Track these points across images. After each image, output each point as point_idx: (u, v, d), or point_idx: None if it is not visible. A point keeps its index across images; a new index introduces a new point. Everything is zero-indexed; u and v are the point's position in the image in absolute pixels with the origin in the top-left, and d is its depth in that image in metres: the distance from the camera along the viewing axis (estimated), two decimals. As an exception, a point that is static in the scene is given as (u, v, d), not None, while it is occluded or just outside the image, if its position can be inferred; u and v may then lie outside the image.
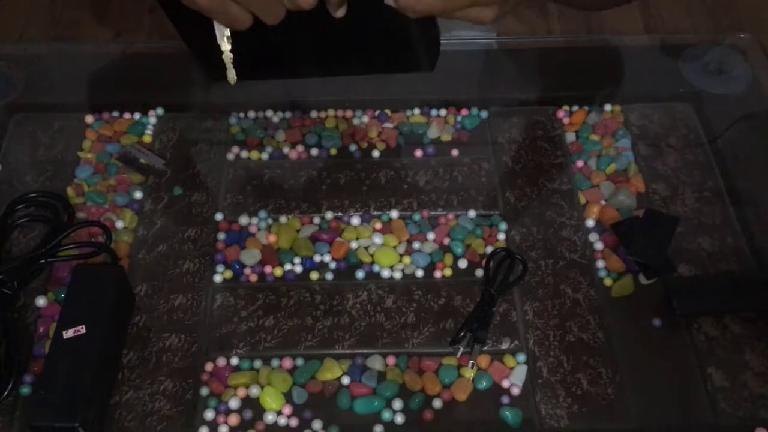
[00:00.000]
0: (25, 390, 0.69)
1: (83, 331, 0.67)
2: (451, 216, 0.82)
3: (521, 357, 0.72)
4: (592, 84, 0.94)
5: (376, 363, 0.71)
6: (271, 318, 0.74)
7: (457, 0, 0.58)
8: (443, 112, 0.91)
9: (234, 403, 0.69)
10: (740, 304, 0.75)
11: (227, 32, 0.62)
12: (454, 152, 0.87)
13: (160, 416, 0.68)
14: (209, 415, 0.68)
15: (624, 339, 0.73)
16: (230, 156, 0.87)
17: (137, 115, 0.90)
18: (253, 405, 0.69)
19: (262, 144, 0.88)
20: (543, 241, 0.80)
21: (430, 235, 0.80)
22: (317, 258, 0.78)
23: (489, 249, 0.78)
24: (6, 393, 0.68)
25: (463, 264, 0.78)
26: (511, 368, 0.71)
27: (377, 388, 0.70)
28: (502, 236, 0.80)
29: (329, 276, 0.77)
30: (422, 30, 0.60)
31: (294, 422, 0.68)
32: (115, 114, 0.90)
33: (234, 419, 0.68)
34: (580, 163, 0.86)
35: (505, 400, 0.69)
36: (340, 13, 0.59)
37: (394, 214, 0.82)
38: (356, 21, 0.59)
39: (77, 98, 0.94)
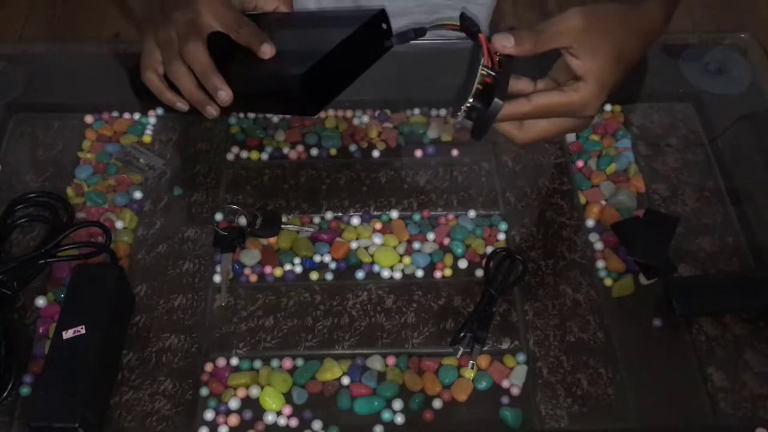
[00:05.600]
0: (25, 390, 0.69)
1: (83, 331, 0.67)
2: (451, 216, 0.82)
3: (521, 357, 0.71)
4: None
5: (376, 363, 0.71)
6: (271, 318, 0.74)
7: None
8: (443, 112, 0.91)
9: (234, 404, 0.69)
10: (740, 304, 0.75)
11: None
12: (454, 152, 0.87)
13: (160, 416, 0.68)
14: (209, 415, 0.68)
15: (624, 339, 0.73)
16: (230, 156, 0.87)
17: (137, 115, 0.90)
18: (253, 405, 0.69)
19: (262, 144, 0.88)
20: (543, 241, 0.80)
21: (430, 235, 0.80)
22: (317, 258, 0.78)
23: (489, 249, 0.78)
24: (6, 393, 0.68)
25: (463, 264, 0.78)
26: (511, 368, 0.71)
27: (377, 388, 0.70)
28: (502, 236, 0.80)
29: (329, 276, 0.77)
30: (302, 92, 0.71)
31: (294, 422, 0.68)
32: (115, 114, 0.90)
33: (234, 419, 0.68)
34: (580, 163, 0.86)
35: (505, 400, 0.69)
36: (268, 51, 0.73)
37: (394, 214, 0.82)
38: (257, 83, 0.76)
39: (77, 98, 0.93)
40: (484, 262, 0.77)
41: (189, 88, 0.75)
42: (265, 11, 0.82)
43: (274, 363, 0.71)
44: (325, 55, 0.72)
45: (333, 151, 0.87)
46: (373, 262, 0.78)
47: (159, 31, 0.76)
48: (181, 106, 0.77)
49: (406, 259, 0.78)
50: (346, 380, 0.70)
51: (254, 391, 0.69)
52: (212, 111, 0.75)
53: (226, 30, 0.76)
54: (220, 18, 0.76)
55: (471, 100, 0.65)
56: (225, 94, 0.73)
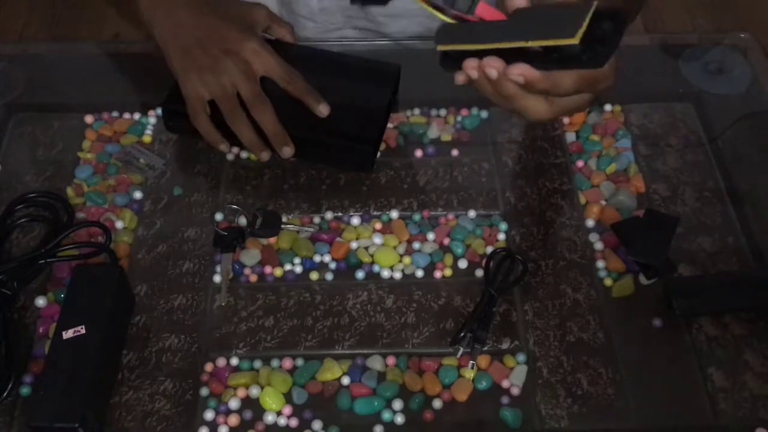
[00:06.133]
0: (25, 390, 0.69)
1: (83, 331, 0.67)
2: (451, 216, 0.82)
3: (521, 357, 0.71)
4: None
5: (376, 363, 0.71)
6: (271, 318, 0.74)
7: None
8: (443, 112, 0.91)
9: (234, 404, 0.69)
10: (740, 304, 0.75)
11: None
12: (454, 152, 0.87)
13: (160, 416, 0.68)
14: (209, 415, 0.68)
15: (624, 339, 0.73)
16: (230, 156, 0.87)
17: (137, 115, 0.90)
18: (253, 405, 0.69)
19: (262, 144, 0.88)
20: (543, 241, 0.80)
21: (430, 235, 0.80)
22: (317, 258, 0.78)
23: (489, 249, 0.78)
24: (6, 393, 0.68)
25: (463, 264, 0.78)
26: (511, 368, 0.71)
27: (377, 388, 0.70)
28: (502, 236, 0.80)
29: (329, 276, 0.77)
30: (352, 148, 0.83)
31: (294, 422, 0.68)
32: (115, 114, 0.90)
33: (234, 419, 0.68)
34: (580, 163, 0.86)
35: (505, 400, 0.69)
36: (325, 111, 0.81)
37: (394, 214, 0.82)
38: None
39: (77, 98, 0.94)
40: (484, 262, 0.77)
41: (250, 138, 0.81)
42: (270, 37, 0.88)
43: (274, 363, 0.71)
44: (383, 118, 0.85)
45: (333, 151, 0.87)
46: (373, 262, 0.78)
47: (207, 76, 0.80)
48: (224, 148, 0.84)
49: (406, 259, 0.78)
50: (346, 380, 0.70)
51: (254, 391, 0.69)
52: (266, 156, 0.82)
53: (275, 80, 0.81)
54: (271, 71, 0.81)
55: (592, 15, 0.58)
56: (290, 150, 0.81)
